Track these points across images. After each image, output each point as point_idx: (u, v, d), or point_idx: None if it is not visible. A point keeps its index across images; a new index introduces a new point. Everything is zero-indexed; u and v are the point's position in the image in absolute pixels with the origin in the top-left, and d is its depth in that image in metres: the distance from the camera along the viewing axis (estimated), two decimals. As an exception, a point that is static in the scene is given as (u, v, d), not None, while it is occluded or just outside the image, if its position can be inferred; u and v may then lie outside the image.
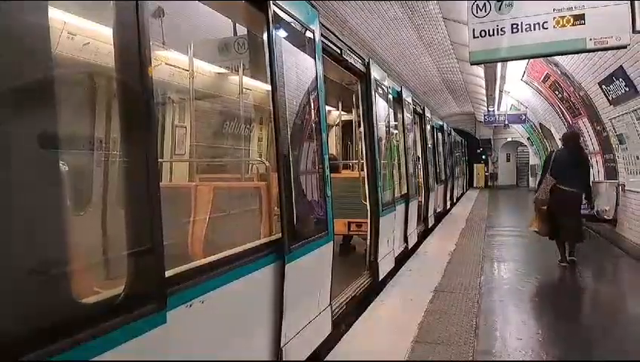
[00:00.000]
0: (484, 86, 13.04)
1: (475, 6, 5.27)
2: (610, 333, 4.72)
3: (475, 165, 28.96)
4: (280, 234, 3.09)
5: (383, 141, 6.70)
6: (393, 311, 5.09)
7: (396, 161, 7.59)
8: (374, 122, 5.91)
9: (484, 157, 29.55)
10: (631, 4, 4.69)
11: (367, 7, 9.70)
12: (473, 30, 5.29)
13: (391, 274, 6.46)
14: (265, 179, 3.84)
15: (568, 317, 5.23)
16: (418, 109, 10.50)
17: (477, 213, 14.23)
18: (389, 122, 7.14)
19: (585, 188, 7.08)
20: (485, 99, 15.47)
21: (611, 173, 9.90)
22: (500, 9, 5.17)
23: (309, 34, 3.82)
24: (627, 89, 7.22)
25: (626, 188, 8.94)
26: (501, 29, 5.20)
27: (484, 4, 5.24)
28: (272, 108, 3.15)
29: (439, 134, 14.07)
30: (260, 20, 3.09)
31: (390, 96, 7.29)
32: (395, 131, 7.97)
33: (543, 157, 18.46)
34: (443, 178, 14.08)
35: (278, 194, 3.14)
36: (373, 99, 6.00)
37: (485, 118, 18.67)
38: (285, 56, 3.33)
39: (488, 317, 4.93)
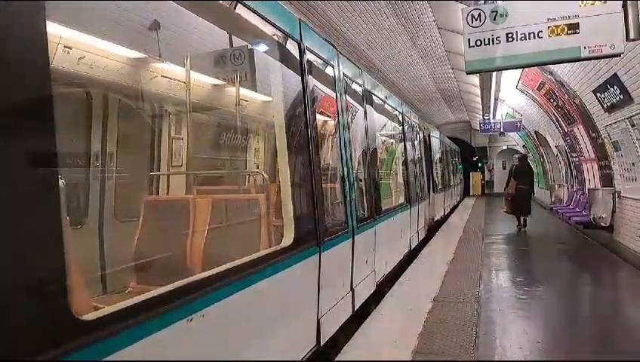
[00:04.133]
0: (480, 94, 13.11)
1: (470, 16, 5.30)
2: (611, 340, 4.72)
3: (471, 173, 29.03)
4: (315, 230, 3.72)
5: (357, 146, 5.87)
6: (392, 321, 5.05)
7: (373, 170, 6.51)
8: (343, 123, 5.10)
9: (480, 165, 29.64)
10: (624, 12, 4.74)
11: (362, 17, 9.76)
12: (468, 40, 5.32)
13: (372, 300, 5.72)
14: (272, 188, 4.00)
15: (568, 325, 5.22)
16: (400, 110, 9.07)
17: (474, 222, 14.23)
18: (365, 124, 6.27)
19: (531, 186, 13.12)
20: (481, 107, 15.55)
21: (607, 179, 9.93)
22: (494, 19, 5.20)
23: (329, 68, 4.71)
24: (621, 96, 7.26)
25: (622, 194, 8.97)
26: (496, 39, 5.23)
27: (479, 13, 5.27)
28: (305, 128, 3.78)
29: (431, 140, 13.72)
30: (296, 63, 3.82)
31: (361, 93, 6.25)
32: (375, 137, 6.99)
33: (539, 165, 20.93)
34: (438, 188, 14.02)
35: (313, 199, 3.76)
36: (340, 97, 5.10)
37: (481, 126, 18.71)
38: (313, 86, 4.07)
39: (488, 326, 4.90)
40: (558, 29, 4.98)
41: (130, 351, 1.75)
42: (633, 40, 4.81)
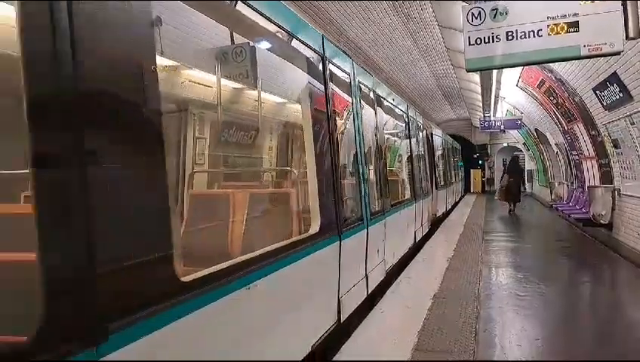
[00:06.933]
0: (480, 92, 13.11)
1: (470, 14, 5.30)
2: (610, 338, 4.74)
3: (471, 170, 29.01)
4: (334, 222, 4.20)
5: (370, 146, 6.17)
6: (393, 318, 5.09)
7: (383, 167, 6.85)
8: (359, 125, 5.46)
9: (480, 162, 29.63)
10: (624, 11, 4.75)
11: (363, 15, 9.77)
12: (469, 38, 5.32)
13: (382, 287, 6.12)
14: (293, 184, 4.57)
15: (568, 323, 5.26)
16: (405, 111, 9.34)
17: (474, 219, 14.28)
18: (376, 125, 6.58)
19: (521, 180, 17.31)
20: (481, 104, 15.55)
21: (606, 177, 9.95)
22: (494, 17, 5.21)
23: (346, 75, 5.16)
24: (621, 94, 7.27)
25: (621, 192, 8.98)
26: (496, 37, 5.23)
27: (479, 12, 5.28)
28: (328, 131, 4.22)
29: (433, 138, 13.69)
30: (320, 73, 4.24)
31: (373, 97, 6.52)
32: (385, 137, 7.54)
33: (539, 162, 21.55)
34: (440, 185, 14.04)
35: (334, 194, 4.24)
36: (356, 102, 5.44)
37: (481, 124, 18.70)
38: (333, 92, 4.54)
39: (488, 323, 4.94)
40: (558, 28, 4.98)
41: (212, 308, 2.24)
42: (633, 39, 4.81)
